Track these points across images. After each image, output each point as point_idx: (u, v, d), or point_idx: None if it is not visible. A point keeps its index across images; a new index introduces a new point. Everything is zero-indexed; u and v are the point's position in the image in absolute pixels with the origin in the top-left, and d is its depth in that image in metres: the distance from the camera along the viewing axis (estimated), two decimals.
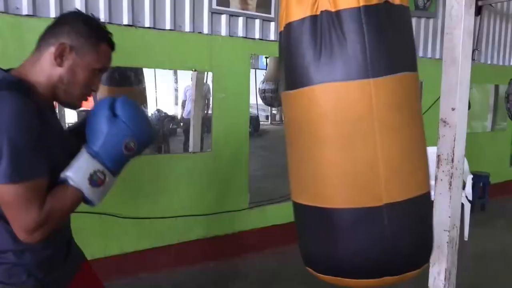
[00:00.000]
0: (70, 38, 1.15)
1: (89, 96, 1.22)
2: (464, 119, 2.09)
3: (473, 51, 2.11)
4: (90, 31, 1.17)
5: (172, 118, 3.17)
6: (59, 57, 1.14)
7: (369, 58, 1.35)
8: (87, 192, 1.10)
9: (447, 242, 2.16)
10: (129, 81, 2.94)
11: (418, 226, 1.44)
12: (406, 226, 1.40)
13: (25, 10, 2.43)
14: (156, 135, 1.25)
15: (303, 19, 1.42)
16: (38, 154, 1.02)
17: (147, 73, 2.96)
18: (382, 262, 1.39)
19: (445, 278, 2.19)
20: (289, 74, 1.52)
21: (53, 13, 2.51)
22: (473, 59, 2.16)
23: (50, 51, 1.16)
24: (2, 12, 2.37)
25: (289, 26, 1.47)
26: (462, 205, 3.22)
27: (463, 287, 2.69)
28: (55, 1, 2.51)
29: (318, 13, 1.41)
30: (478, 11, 2.59)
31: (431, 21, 4.37)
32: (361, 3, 1.35)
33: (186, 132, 3.20)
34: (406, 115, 1.40)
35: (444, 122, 2.09)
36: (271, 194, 3.57)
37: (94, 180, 1.10)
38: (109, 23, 2.70)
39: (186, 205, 3.09)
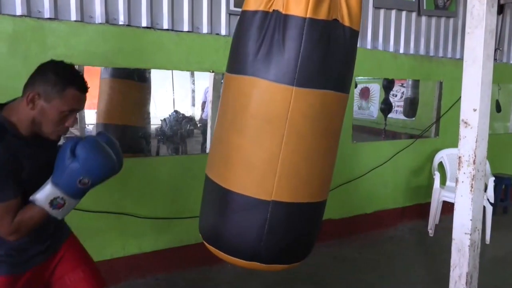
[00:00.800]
0: (39, 86, 1.38)
1: (65, 132, 1.46)
2: (486, 120, 2.05)
3: (495, 50, 2.06)
4: (56, 79, 1.38)
5: (190, 119, 3.19)
6: (31, 102, 1.37)
7: (298, 67, 1.43)
8: (49, 211, 1.38)
9: (469, 246, 2.12)
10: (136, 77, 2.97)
11: (296, 230, 1.58)
12: (284, 224, 1.53)
13: (47, 14, 2.48)
14: (118, 166, 1.53)
15: (256, 11, 1.50)
16: (7, 182, 1.32)
17: (165, 75, 2.99)
18: (255, 248, 1.54)
19: (466, 282, 2.15)
20: (231, 58, 1.64)
21: (74, 17, 2.56)
22: (495, 59, 2.12)
23: (25, 98, 1.39)
24: (25, 16, 2.42)
25: (243, 13, 1.56)
26: (484, 207, 3.16)
27: None
28: (76, 5, 2.55)
29: (271, 10, 1.47)
30: (500, 9, 2.53)
31: (451, 20, 4.30)
32: (308, 15, 1.42)
33: (204, 133, 3.22)
34: (317, 129, 1.51)
35: (465, 123, 2.05)
36: None
37: (54, 205, 1.38)
38: (128, 25, 2.73)
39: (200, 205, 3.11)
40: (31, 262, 1.50)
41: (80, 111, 1.49)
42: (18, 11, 2.40)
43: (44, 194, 1.36)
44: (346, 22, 1.48)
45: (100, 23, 2.64)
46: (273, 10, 1.46)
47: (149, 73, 2.93)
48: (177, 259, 3.03)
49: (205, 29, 3.02)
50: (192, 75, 3.14)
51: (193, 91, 3.18)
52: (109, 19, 2.68)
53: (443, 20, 4.25)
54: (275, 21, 1.45)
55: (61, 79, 1.39)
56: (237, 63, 1.57)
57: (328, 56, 1.46)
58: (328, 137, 1.56)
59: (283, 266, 1.63)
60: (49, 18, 2.49)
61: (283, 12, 1.44)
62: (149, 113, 3.08)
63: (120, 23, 2.72)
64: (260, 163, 1.49)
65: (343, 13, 1.48)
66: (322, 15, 1.42)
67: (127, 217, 2.82)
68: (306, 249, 1.69)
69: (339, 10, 1.48)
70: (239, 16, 1.58)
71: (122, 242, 2.86)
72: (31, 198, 1.37)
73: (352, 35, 1.51)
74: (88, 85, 1.48)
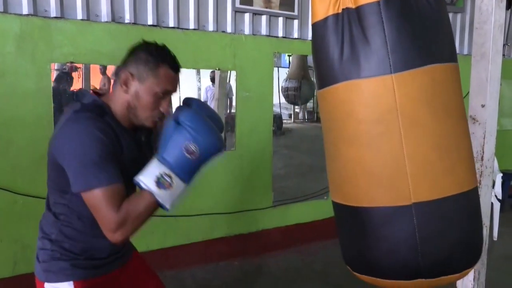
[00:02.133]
0: (132, 67, 1.27)
1: (160, 118, 1.31)
2: (494, 116, 2.03)
3: (504, 46, 2.05)
4: (148, 57, 1.28)
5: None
6: (125, 85, 1.26)
7: (389, 52, 1.30)
8: (157, 194, 1.17)
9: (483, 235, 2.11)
10: None
11: (453, 228, 1.35)
12: (438, 227, 1.32)
13: (53, 13, 2.49)
14: (222, 144, 1.28)
15: (325, 18, 1.40)
16: (110, 162, 1.17)
17: None
18: (413, 263, 1.33)
19: (474, 279, 2.14)
20: (317, 74, 1.50)
21: (80, 15, 2.56)
22: (503, 55, 2.10)
23: (119, 81, 1.27)
24: (32, 15, 2.43)
25: (314, 26, 1.46)
26: (492, 204, 3.14)
27: None
28: (82, 3, 2.56)
29: (340, 11, 1.38)
30: (509, 4, 2.51)
31: (458, 16, 4.27)
32: None
33: None
34: (435, 109, 1.32)
35: (473, 119, 2.04)
36: (295, 193, 3.56)
37: (161, 183, 1.17)
38: (134, 23, 2.74)
39: (210, 204, 3.12)
40: (108, 267, 1.36)
41: (173, 93, 1.35)
42: (25, 11, 2.41)
43: (149, 172, 1.17)
44: None
45: (106, 22, 2.65)
46: (342, 9, 1.38)
47: None
48: (184, 256, 3.04)
49: (211, 27, 3.02)
50: (198, 72, 3.14)
51: (199, 88, 3.19)
52: (115, 18, 2.69)
53: (450, 15, 4.22)
54: (348, 18, 1.36)
55: (153, 57, 1.30)
56: (324, 76, 1.43)
57: (418, 29, 1.32)
58: (453, 116, 1.36)
59: (453, 276, 1.40)
60: (56, 17, 2.50)
61: (354, 7, 1.35)
62: None
63: (126, 21, 2.72)
64: (386, 168, 1.33)
65: None
66: None
67: None
68: (474, 249, 1.45)
69: None
70: (311, 32, 1.49)
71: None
72: (134, 179, 1.18)
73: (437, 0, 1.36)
74: (180, 67, 1.38)
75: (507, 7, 1.99)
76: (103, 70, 2.74)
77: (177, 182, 1.20)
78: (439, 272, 1.36)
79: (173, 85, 1.33)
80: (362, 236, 1.40)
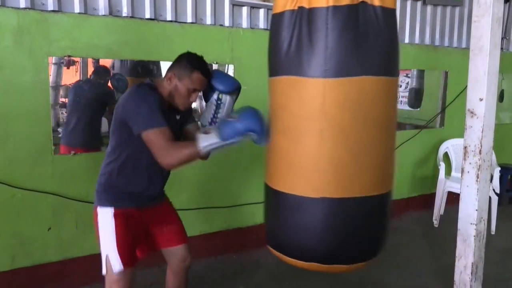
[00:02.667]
0: (176, 69, 1.82)
1: (190, 105, 1.90)
2: (492, 109, 2.03)
3: (502, 39, 2.04)
4: (187, 64, 1.81)
5: (194, 111, 3.19)
6: (169, 80, 1.82)
7: (327, 58, 1.40)
8: (201, 140, 1.65)
9: (474, 236, 2.12)
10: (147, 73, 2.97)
11: (354, 226, 1.51)
12: (339, 222, 1.49)
13: (50, 6, 2.48)
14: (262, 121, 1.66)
15: (283, 12, 1.50)
16: (161, 116, 1.68)
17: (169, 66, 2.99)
18: (311, 248, 1.51)
19: (471, 273, 2.15)
20: (268, 62, 1.64)
21: (77, 9, 2.55)
22: (501, 48, 2.10)
23: (166, 77, 1.84)
24: (29, 8, 2.42)
25: (273, 17, 1.57)
26: (489, 198, 3.15)
27: (489, 282, 2.63)
28: None
29: (296, 8, 1.46)
30: None
31: (457, 9, 4.25)
32: (330, 3, 1.39)
33: None
34: (357, 117, 1.45)
35: (472, 112, 2.04)
36: None
37: (205, 130, 1.75)
38: (132, 17, 2.73)
39: (208, 197, 3.12)
40: (138, 203, 1.87)
41: (201, 91, 1.87)
42: (22, 4, 2.40)
43: (210, 140, 1.66)
44: (376, 2, 1.41)
45: (104, 15, 2.64)
46: (298, 7, 1.45)
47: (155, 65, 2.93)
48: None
49: (208, 21, 3.01)
50: None
51: None
52: (113, 11, 2.68)
53: (449, 8, 4.21)
54: (301, 17, 1.45)
55: (190, 65, 1.80)
56: (272, 65, 1.58)
57: (360, 41, 1.41)
58: (374, 125, 1.48)
59: (346, 266, 1.57)
60: (53, 11, 2.49)
61: (307, 7, 1.43)
62: None
63: (124, 15, 2.71)
64: (305, 160, 1.46)
65: None
66: (346, 0, 1.38)
67: None
68: (371, 247, 1.60)
69: None
70: (270, 22, 1.60)
71: None
72: (199, 140, 1.66)
73: (386, 14, 1.44)
74: (210, 72, 1.87)
75: (506, 0, 1.98)
76: (96, 63, 2.73)
77: (215, 131, 1.67)
78: (332, 260, 1.54)
79: (202, 85, 1.84)
80: (277, 216, 1.60)
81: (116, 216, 1.79)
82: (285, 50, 1.48)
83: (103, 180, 1.85)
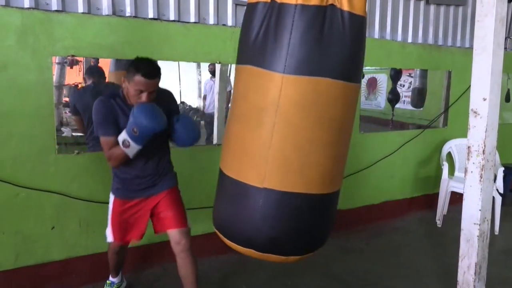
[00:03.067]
0: (126, 73, 2.07)
1: (141, 102, 2.05)
2: (496, 109, 2.03)
3: (505, 39, 2.03)
4: (131, 68, 2.04)
5: (196, 110, 3.20)
6: (123, 84, 2.10)
7: (288, 54, 1.42)
8: (123, 149, 2.03)
9: (478, 236, 2.12)
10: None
11: (291, 220, 1.55)
12: (278, 214, 1.53)
13: (54, 6, 2.48)
14: (160, 126, 2.01)
15: (257, 3, 1.52)
16: (109, 126, 2.07)
17: (171, 66, 2.99)
18: (249, 235, 1.56)
19: (475, 273, 2.15)
20: (238, 50, 1.66)
21: (81, 9, 2.56)
22: (504, 48, 2.09)
23: (122, 80, 2.12)
24: (33, 8, 2.43)
25: (247, 6, 1.59)
26: (493, 198, 3.14)
27: (493, 282, 2.63)
28: None
29: (269, 0, 1.49)
30: None
31: (460, 8, 4.24)
32: (299, 1, 1.42)
33: (210, 124, 3.22)
34: (309, 116, 1.48)
35: (475, 112, 2.04)
36: None
37: (124, 143, 2.02)
38: (135, 17, 2.73)
39: (210, 197, 3.11)
40: (135, 195, 2.26)
41: (149, 91, 2.05)
42: (26, 4, 2.41)
43: (120, 137, 2.03)
44: (345, 7, 1.43)
45: (107, 15, 2.65)
46: (271, 0, 1.47)
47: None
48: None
49: (211, 20, 3.01)
50: (199, 66, 3.13)
51: (200, 82, 3.18)
52: (116, 11, 2.68)
53: (452, 8, 4.20)
54: (271, 10, 1.47)
55: (134, 68, 2.02)
56: (239, 54, 1.61)
57: (323, 42, 1.42)
58: (326, 127, 1.51)
59: (280, 257, 1.61)
60: (57, 10, 2.49)
61: (278, 1, 1.45)
62: None
63: (127, 14, 2.71)
64: (254, 150, 1.50)
65: None
66: (315, 0, 1.40)
67: None
68: (308, 242, 1.64)
69: None
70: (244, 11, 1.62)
71: None
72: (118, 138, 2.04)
73: (354, 20, 1.45)
74: (154, 74, 2.05)
75: (509, 0, 1.98)
76: (96, 64, 2.74)
77: (132, 144, 2.01)
78: (268, 249, 1.58)
79: (145, 87, 2.03)
80: (223, 200, 1.67)
81: (114, 202, 2.28)
82: (252, 40, 1.50)
83: (113, 173, 2.29)
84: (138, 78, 2.01)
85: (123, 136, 2.02)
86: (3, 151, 2.44)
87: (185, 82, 3.12)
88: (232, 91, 1.73)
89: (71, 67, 2.64)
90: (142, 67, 2.02)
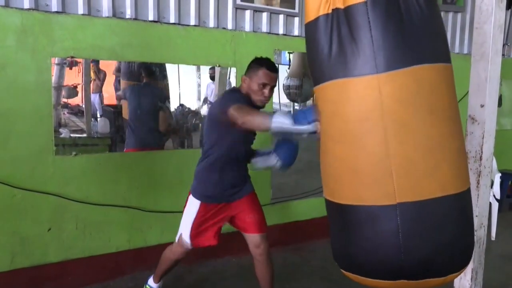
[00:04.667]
0: (247, 72, 2.22)
1: (265, 101, 2.20)
2: (493, 116, 2.03)
3: (504, 46, 2.05)
4: (254, 65, 2.20)
5: (196, 113, 3.20)
6: (244, 83, 2.22)
7: (375, 52, 1.31)
8: (272, 123, 1.77)
9: (474, 242, 2.12)
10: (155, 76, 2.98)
11: (437, 230, 1.34)
12: (422, 228, 1.31)
13: (54, 7, 2.49)
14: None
15: (317, 18, 1.43)
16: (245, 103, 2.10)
17: (171, 68, 3.00)
18: (396, 263, 1.32)
19: (471, 278, 2.15)
20: (311, 72, 1.53)
21: (81, 10, 2.56)
22: (503, 54, 2.11)
23: (242, 81, 2.24)
24: (33, 9, 2.43)
25: (306, 26, 1.50)
26: (490, 204, 3.15)
27: None
28: None
29: (330, 11, 1.40)
30: (509, 4, 2.51)
31: (459, 15, 4.27)
32: None
33: None
34: (419, 110, 1.32)
35: (473, 119, 2.04)
36: (293, 190, 3.57)
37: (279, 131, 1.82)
38: (135, 19, 2.74)
39: None
40: (223, 199, 2.32)
41: (272, 86, 2.18)
42: (26, 5, 2.41)
43: (281, 120, 1.75)
44: None
45: (107, 17, 2.65)
46: (332, 9, 1.40)
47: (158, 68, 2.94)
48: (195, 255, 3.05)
49: (211, 23, 3.02)
50: (198, 69, 3.14)
51: (199, 85, 3.19)
52: (116, 13, 2.69)
53: (451, 14, 4.22)
54: (337, 18, 1.38)
55: (256, 64, 2.18)
56: (315, 75, 1.47)
57: (405, 29, 1.32)
58: (439, 117, 1.34)
59: (437, 280, 1.37)
60: (57, 12, 2.50)
61: (343, 7, 1.37)
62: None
63: (127, 16, 2.72)
64: (370, 167, 1.33)
65: None
66: None
67: (133, 210, 2.84)
68: (461, 254, 1.41)
69: None
70: (305, 32, 1.53)
71: (128, 235, 2.88)
72: (274, 116, 1.78)
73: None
74: (276, 68, 2.19)
75: (507, 7, 1.99)
76: (97, 66, 2.75)
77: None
78: (422, 274, 1.34)
79: (269, 80, 2.16)
80: (347, 233, 1.42)
81: (201, 207, 2.30)
82: (326, 55, 1.39)
83: (194, 179, 2.36)
84: (263, 71, 2.14)
85: (283, 119, 1.76)
86: (0, 152, 2.44)
87: (185, 84, 3.12)
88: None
89: (71, 68, 2.64)
90: (265, 62, 2.18)
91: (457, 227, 1.38)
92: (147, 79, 2.95)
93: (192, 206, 2.31)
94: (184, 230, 2.33)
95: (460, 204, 1.39)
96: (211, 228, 2.35)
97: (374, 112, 1.31)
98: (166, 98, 3.10)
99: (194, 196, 2.31)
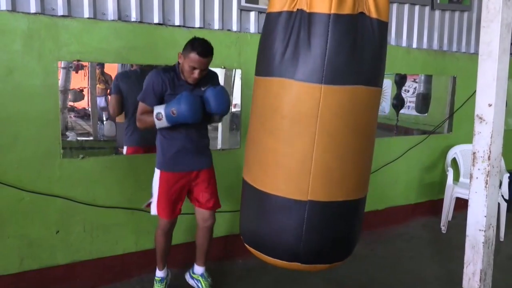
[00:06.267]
0: (183, 50, 2.31)
1: (194, 81, 2.33)
2: (501, 115, 2.02)
3: (511, 44, 2.03)
4: (188, 45, 2.28)
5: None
6: (179, 59, 2.33)
7: (326, 64, 1.41)
8: (154, 119, 2.25)
9: (483, 242, 2.10)
10: None
11: (335, 228, 1.59)
12: (323, 224, 1.54)
13: (60, 11, 2.50)
14: (194, 120, 2.24)
15: (280, 12, 1.49)
16: (152, 96, 2.32)
17: None
18: (294, 249, 1.55)
19: (480, 279, 2.13)
20: (258, 61, 1.63)
21: (87, 14, 2.57)
22: (510, 53, 2.09)
23: (178, 56, 2.36)
24: (39, 13, 2.44)
25: (268, 15, 1.56)
26: (498, 204, 3.12)
27: None
28: (89, 2, 2.57)
29: (295, 10, 1.46)
30: None
31: (465, 14, 4.24)
32: (333, 11, 1.41)
33: (215, 128, 3.22)
34: (349, 126, 1.48)
35: (480, 118, 2.03)
36: None
37: (158, 116, 2.24)
38: (140, 22, 2.75)
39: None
40: (181, 168, 2.44)
41: (202, 69, 2.29)
42: (33, 9, 2.43)
43: (157, 107, 2.25)
44: (373, 14, 1.45)
45: (113, 20, 2.66)
46: (297, 9, 1.45)
47: None
48: (189, 254, 3.04)
49: (216, 25, 3.02)
50: None
51: None
52: (122, 16, 2.70)
53: (457, 14, 4.20)
54: (300, 20, 1.45)
55: (190, 46, 2.26)
56: (264, 65, 1.57)
57: (356, 50, 1.43)
58: (361, 134, 1.54)
59: (324, 266, 1.65)
60: (63, 16, 2.51)
61: (307, 11, 1.43)
62: None
63: (132, 19, 2.73)
64: (294, 164, 1.49)
65: (370, 5, 1.46)
66: (347, 9, 1.41)
67: (139, 212, 2.84)
68: (347, 248, 1.69)
69: (365, 2, 1.46)
70: (264, 19, 1.58)
71: (135, 237, 2.89)
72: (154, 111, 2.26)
73: (381, 27, 1.48)
74: (208, 53, 2.28)
75: None
76: (102, 69, 2.75)
77: (163, 119, 2.23)
78: (314, 260, 1.60)
79: (199, 64, 2.26)
80: (261, 217, 1.62)
81: (161, 176, 2.43)
82: (281, 51, 1.48)
83: (157, 148, 2.46)
84: (193, 55, 2.22)
85: (160, 108, 2.22)
86: (8, 155, 2.45)
87: None
88: (254, 102, 1.70)
89: (76, 72, 2.65)
90: (197, 45, 2.24)
91: (349, 226, 1.64)
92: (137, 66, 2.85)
93: (156, 177, 2.45)
94: (153, 201, 2.47)
95: (355, 209, 1.63)
96: (177, 199, 2.48)
97: (310, 118, 1.45)
98: None
99: (156, 166, 2.44)
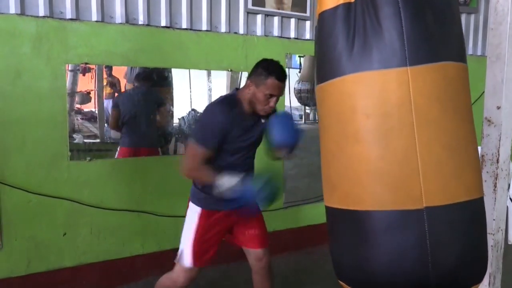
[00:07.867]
0: (253, 77, 1.95)
1: (269, 111, 1.99)
2: (510, 117, 2.00)
3: None
4: (262, 71, 1.91)
5: None
6: (248, 88, 1.95)
7: (406, 45, 1.21)
8: (215, 181, 1.88)
9: (492, 246, 2.08)
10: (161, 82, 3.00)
11: (465, 237, 1.24)
12: (450, 236, 1.21)
13: (68, 14, 2.52)
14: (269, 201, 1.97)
15: (336, 7, 1.32)
16: (213, 137, 1.88)
17: (183, 73, 3.01)
18: (422, 275, 1.19)
19: (489, 283, 2.11)
20: (320, 67, 1.41)
21: (95, 17, 2.59)
22: None
23: (246, 85, 1.99)
24: (47, 17, 2.47)
25: (322, 15, 1.37)
26: (507, 207, 3.09)
27: None
28: (97, 5, 2.59)
29: (353, 0, 1.30)
30: None
31: (472, 16, 4.22)
32: None
33: None
34: (446, 107, 1.23)
35: (489, 121, 2.02)
36: (306, 194, 3.55)
37: (221, 183, 1.88)
38: (148, 25, 2.76)
39: None
40: (225, 205, 2.00)
41: (279, 96, 1.96)
42: (41, 12, 2.45)
43: (226, 178, 1.88)
44: None
45: (120, 23, 2.68)
46: None
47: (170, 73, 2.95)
48: None
49: (223, 28, 3.03)
50: (209, 73, 3.15)
51: (210, 89, 3.19)
52: (129, 19, 2.71)
53: (464, 16, 4.18)
54: (362, 7, 1.28)
55: (265, 71, 1.90)
56: (329, 69, 1.34)
57: (434, 24, 1.26)
58: (462, 118, 1.28)
59: None
60: (71, 19, 2.53)
61: None
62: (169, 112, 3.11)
63: (140, 22, 2.74)
64: (395, 166, 1.21)
65: None
66: None
67: (146, 215, 2.85)
68: (481, 260, 1.32)
69: None
70: (318, 21, 1.41)
71: (142, 240, 2.89)
72: (219, 178, 1.89)
73: None
74: (285, 75, 1.95)
75: None
76: (109, 72, 2.76)
77: (225, 192, 1.90)
78: (450, 283, 1.23)
79: (277, 90, 1.93)
80: (361, 245, 1.26)
81: (202, 215, 2.06)
82: (347, 47, 1.28)
83: (193, 185, 2.14)
84: (271, 81, 1.89)
85: (229, 181, 1.86)
86: (16, 158, 2.47)
87: (196, 89, 3.13)
88: (321, 113, 1.44)
89: (84, 75, 2.67)
90: (273, 68, 1.91)
91: (479, 233, 1.29)
92: (142, 83, 2.89)
93: (193, 215, 2.07)
94: (186, 245, 2.06)
95: (481, 210, 1.31)
96: (213, 243, 2.12)
97: (401, 107, 1.20)
98: (163, 99, 3.03)
99: (194, 202, 2.08)
